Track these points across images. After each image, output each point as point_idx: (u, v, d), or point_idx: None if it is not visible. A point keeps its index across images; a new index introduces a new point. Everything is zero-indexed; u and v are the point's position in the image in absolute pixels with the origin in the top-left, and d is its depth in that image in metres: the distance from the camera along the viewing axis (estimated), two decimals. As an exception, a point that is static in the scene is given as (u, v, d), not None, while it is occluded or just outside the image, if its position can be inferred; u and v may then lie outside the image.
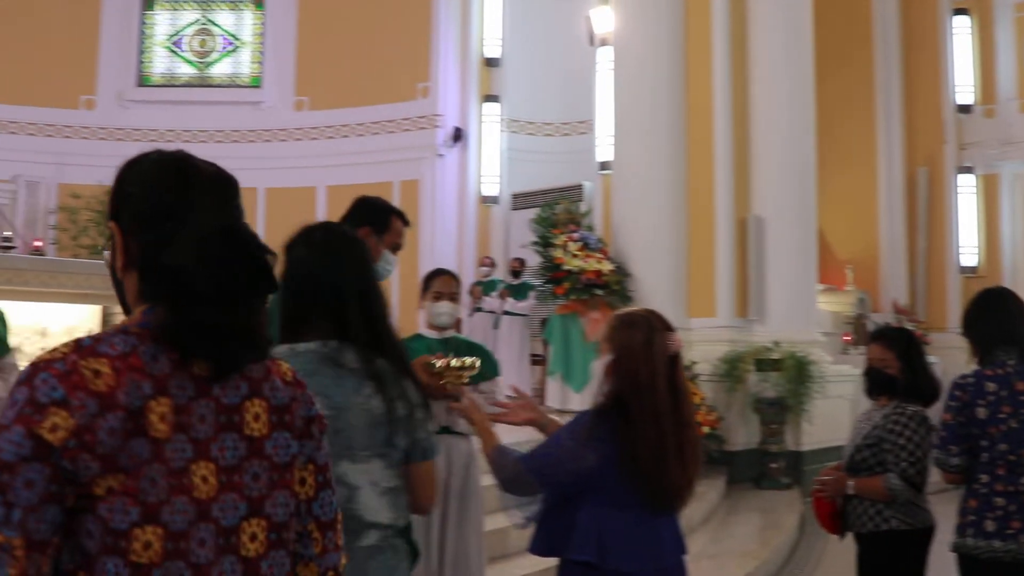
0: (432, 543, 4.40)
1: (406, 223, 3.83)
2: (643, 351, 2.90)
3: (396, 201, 14.45)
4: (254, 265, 1.55)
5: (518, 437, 4.15)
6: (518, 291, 12.46)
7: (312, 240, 2.40)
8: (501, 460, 3.01)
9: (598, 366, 3.05)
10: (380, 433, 2.28)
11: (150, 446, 1.44)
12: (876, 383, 4.23)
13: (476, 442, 3.72)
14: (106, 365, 1.44)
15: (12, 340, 3.10)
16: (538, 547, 3.03)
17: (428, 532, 4.34)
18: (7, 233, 9.82)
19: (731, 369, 10.18)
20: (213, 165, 1.69)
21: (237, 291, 1.53)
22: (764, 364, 10.04)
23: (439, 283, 4.67)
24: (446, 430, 4.31)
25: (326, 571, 1.70)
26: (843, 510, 4.17)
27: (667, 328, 2.99)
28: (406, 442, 2.34)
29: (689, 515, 7.59)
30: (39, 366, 1.43)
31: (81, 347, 1.46)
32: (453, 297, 4.65)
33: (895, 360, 4.15)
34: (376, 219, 3.77)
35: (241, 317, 1.53)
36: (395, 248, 3.81)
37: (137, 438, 1.43)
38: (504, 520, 6.12)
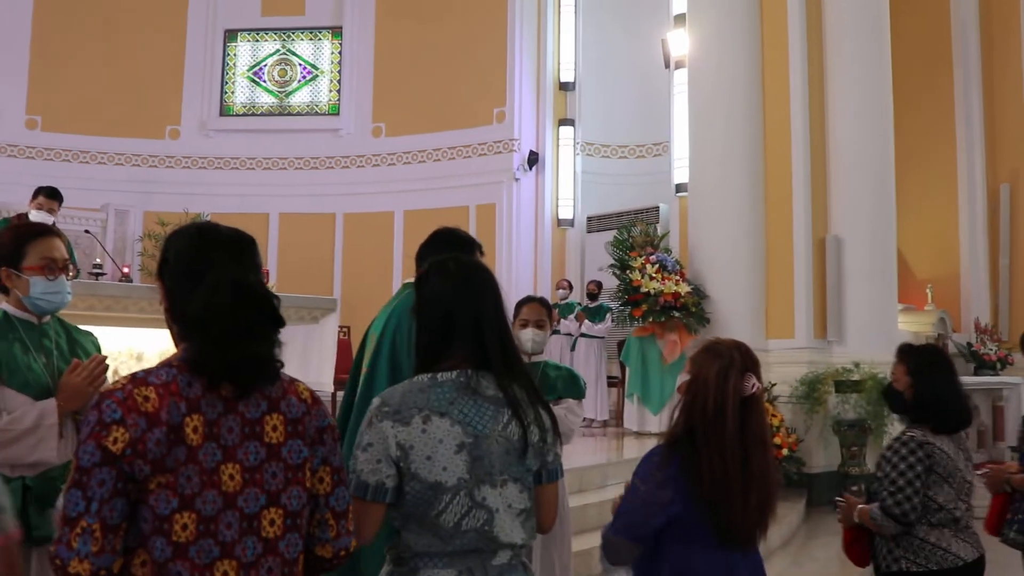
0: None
1: (483, 254, 3.88)
2: (716, 382, 2.89)
3: (472, 225, 14.80)
4: (259, 310, 2.00)
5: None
6: (595, 314, 12.51)
7: (448, 272, 2.48)
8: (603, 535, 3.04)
9: (679, 379, 3.08)
10: (516, 458, 2.37)
11: (186, 451, 1.90)
12: (888, 401, 4.13)
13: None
14: (153, 392, 1.92)
15: (110, 364, 3.26)
16: None
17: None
18: (97, 261, 10.18)
19: (810, 391, 10.10)
20: (232, 230, 2.14)
21: (246, 331, 1.97)
22: (844, 385, 9.95)
23: (527, 311, 4.81)
24: None
25: (339, 551, 2.14)
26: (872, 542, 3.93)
27: (748, 368, 2.94)
28: (537, 465, 2.43)
29: (767, 537, 7.59)
30: (104, 395, 1.93)
31: (135, 379, 1.95)
32: (540, 324, 4.75)
33: (904, 375, 3.94)
34: (462, 251, 3.81)
35: (250, 351, 1.97)
36: None
37: (177, 446, 1.90)
38: (592, 541, 6.22)
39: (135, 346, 6.55)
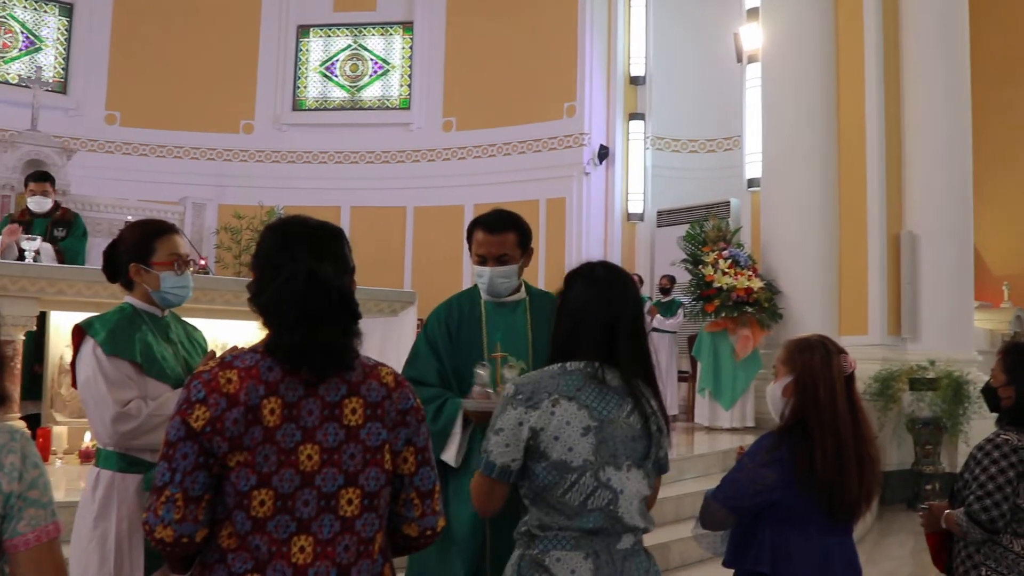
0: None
1: (490, 231, 3.63)
2: (822, 371, 3.06)
3: (542, 219, 14.85)
4: (331, 300, 2.10)
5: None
6: (667, 308, 12.50)
7: (595, 276, 2.65)
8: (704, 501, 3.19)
9: (773, 390, 3.17)
10: (639, 446, 2.51)
11: (263, 432, 2.02)
12: (986, 400, 3.91)
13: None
14: (235, 375, 2.05)
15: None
16: (728, 559, 3.19)
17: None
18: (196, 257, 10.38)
19: (884, 388, 10.03)
20: (318, 223, 2.23)
21: (317, 319, 2.07)
22: (919, 383, 9.86)
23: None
24: None
25: (425, 530, 2.23)
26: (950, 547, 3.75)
27: (841, 351, 3.14)
28: (654, 455, 2.57)
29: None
30: (195, 376, 2.09)
31: (223, 362, 2.09)
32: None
33: (1002, 374, 3.73)
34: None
35: (323, 338, 2.07)
36: (481, 261, 3.64)
37: (255, 426, 2.02)
38: (667, 535, 6.27)
39: (219, 337, 6.71)
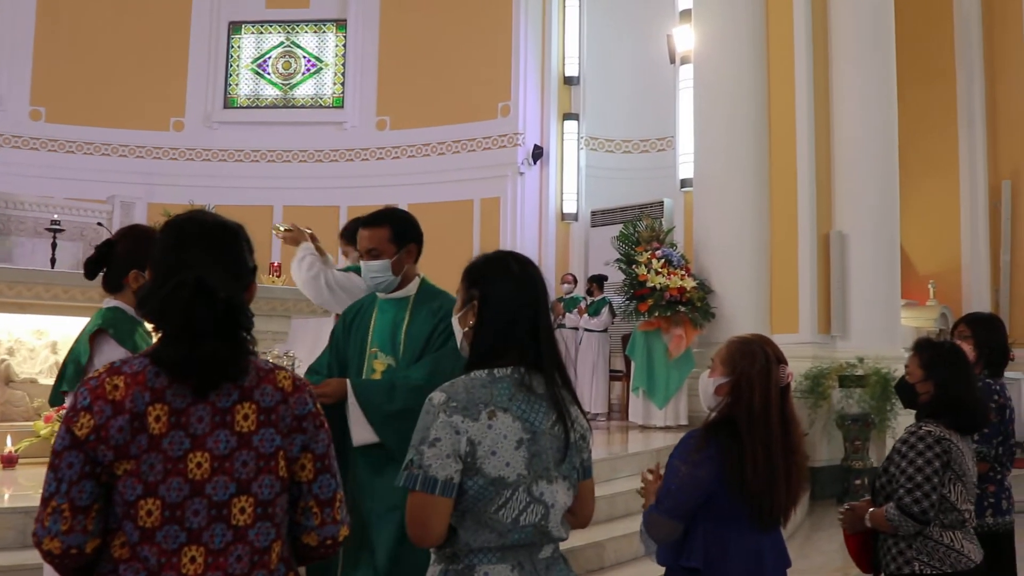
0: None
1: (365, 225, 3.84)
2: (760, 380, 3.03)
3: (476, 219, 14.85)
4: (217, 313, 2.00)
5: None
6: (594, 308, 12.58)
7: (511, 272, 2.50)
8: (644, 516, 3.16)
9: (707, 383, 3.17)
10: (563, 456, 2.42)
11: (148, 439, 1.95)
12: (900, 396, 3.94)
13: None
14: (122, 381, 1.98)
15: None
16: (660, 557, 3.18)
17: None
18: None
19: (814, 385, 10.17)
20: (216, 222, 2.17)
21: (203, 333, 1.98)
22: (848, 380, 10.02)
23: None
24: None
25: (325, 540, 2.13)
26: (875, 545, 3.75)
27: (781, 360, 3.10)
28: (578, 462, 2.48)
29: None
30: (83, 382, 2.04)
31: (111, 368, 2.03)
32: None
33: (918, 370, 3.79)
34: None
35: (206, 353, 1.98)
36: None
37: (140, 434, 1.95)
38: (601, 533, 6.29)
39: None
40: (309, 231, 5.05)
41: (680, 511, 3.03)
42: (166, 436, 1.97)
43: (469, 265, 2.56)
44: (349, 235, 5.45)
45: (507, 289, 2.46)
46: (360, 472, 3.67)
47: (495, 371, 2.40)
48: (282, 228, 5.16)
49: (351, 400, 3.58)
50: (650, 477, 3.25)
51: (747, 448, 2.95)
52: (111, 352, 3.18)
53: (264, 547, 2.03)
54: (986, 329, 4.67)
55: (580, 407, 2.53)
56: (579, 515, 2.54)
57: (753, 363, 3.05)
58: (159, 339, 2.04)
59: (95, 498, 1.96)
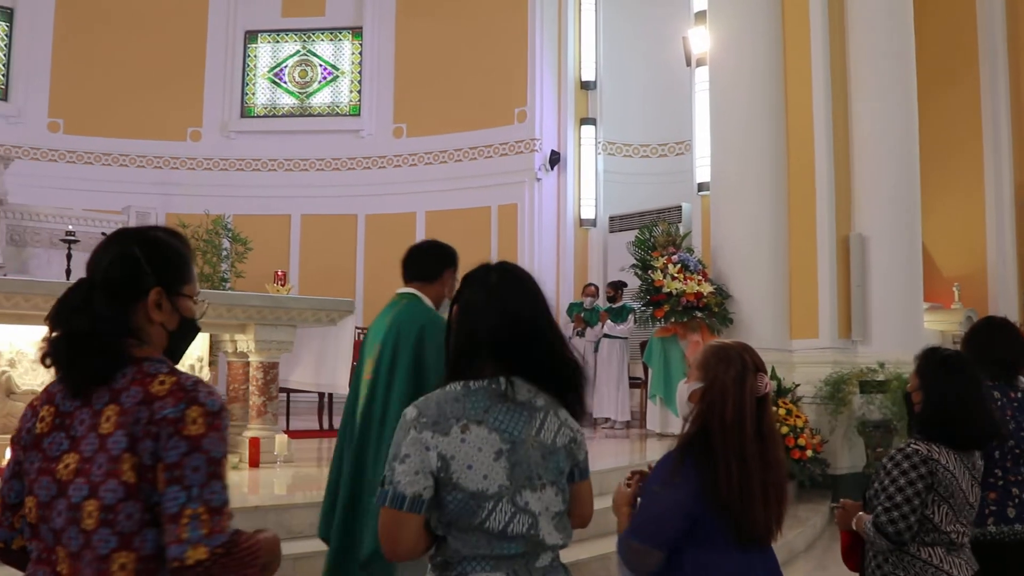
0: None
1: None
2: (734, 388, 2.87)
3: (494, 225, 14.76)
4: (92, 327, 2.05)
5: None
6: (617, 314, 12.44)
7: (487, 283, 2.47)
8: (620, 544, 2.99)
9: (684, 390, 3.03)
10: (552, 462, 2.38)
11: (32, 439, 2.06)
12: (906, 406, 3.79)
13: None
14: (51, 385, 2.11)
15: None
16: None
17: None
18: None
19: (834, 391, 9.97)
20: (134, 231, 2.26)
21: (77, 347, 2.03)
22: (869, 386, 9.82)
23: None
24: None
25: (172, 561, 1.93)
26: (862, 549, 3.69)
27: (759, 368, 2.95)
28: (570, 466, 2.45)
29: (792, 541, 7.47)
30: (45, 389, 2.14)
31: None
32: None
33: (914, 378, 3.65)
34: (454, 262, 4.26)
35: (79, 365, 2.03)
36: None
37: (30, 433, 2.07)
38: (606, 547, 6.14)
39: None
40: None
41: (662, 538, 2.85)
42: (47, 436, 2.04)
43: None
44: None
45: (479, 300, 2.45)
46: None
47: (471, 383, 2.38)
48: None
49: None
50: (626, 490, 3.07)
51: (720, 463, 2.79)
52: None
53: (103, 555, 1.96)
54: (980, 342, 4.25)
55: (575, 408, 2.49)
56: (577, 515, 2.51)
57: (728, 369, 2.89)
58: None
59: (21, 496, 2.08)
